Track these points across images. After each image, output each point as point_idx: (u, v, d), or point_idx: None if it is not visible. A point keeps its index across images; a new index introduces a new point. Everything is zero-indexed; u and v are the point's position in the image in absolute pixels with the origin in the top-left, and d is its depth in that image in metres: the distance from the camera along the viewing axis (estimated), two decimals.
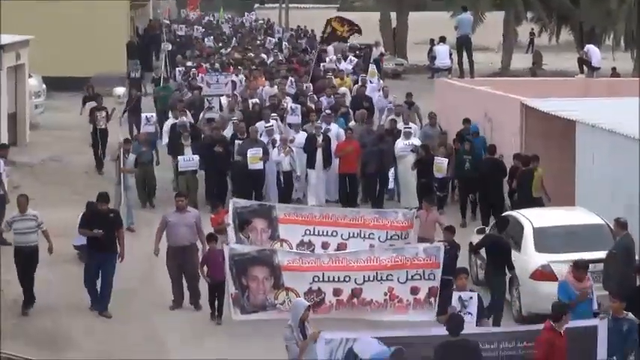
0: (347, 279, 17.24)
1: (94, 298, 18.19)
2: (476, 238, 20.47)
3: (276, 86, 31.83)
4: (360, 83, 33.34)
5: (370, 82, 33.85)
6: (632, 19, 47.49)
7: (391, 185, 25.70)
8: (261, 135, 25.39)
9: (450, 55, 37.26)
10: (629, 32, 47.87)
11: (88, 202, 19.98)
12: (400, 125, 26.42)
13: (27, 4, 39.31)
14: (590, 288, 15.27)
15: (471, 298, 14.47)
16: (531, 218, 18.91)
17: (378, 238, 19.67)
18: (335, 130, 26.10)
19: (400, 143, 25.34)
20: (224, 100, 30.01)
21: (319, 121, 26.29)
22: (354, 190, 25.27)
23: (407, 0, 57.69)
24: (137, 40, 50.20)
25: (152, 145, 25.88)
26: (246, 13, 78.60)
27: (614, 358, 13.44)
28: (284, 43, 50.68)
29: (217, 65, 37.94)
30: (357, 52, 48.73)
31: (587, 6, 48.29)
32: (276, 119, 26.57)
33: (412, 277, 17.32)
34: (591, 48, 35.54)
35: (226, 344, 16.88)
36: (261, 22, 71.22)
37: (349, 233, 19.72)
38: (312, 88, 32.43)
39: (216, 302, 17.83)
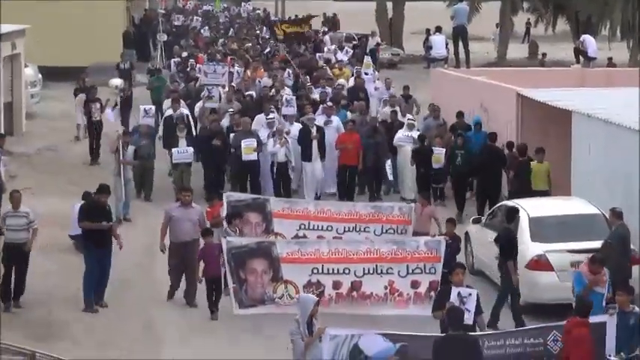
0: (347, 271, 17.10)
1: (89, 299, 18.03)
2: (473, 228, 20.52)
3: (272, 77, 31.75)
4: (356, 75, 33.12)
5: (365, 73, 33.69)
6: (627, 9, 47.44)
7: (390, 177, 25.62)
8: (262, 127, 25.27)
9: (446, 45, 37.19)
10: (626, 22, 47.78)
11: (85, 193, 19.94)
12: (399, 117, 26.29)
13: None
14: (606, 283, 15.11)
15: (470, 294, 14.30)
16: (527, 208, 18.87)
17: (374, 232, 19.47)
18: (336, 122, 25.98)
19: (400, 134, 25.25)
20: (222, 90, 29.87)
21: (320, 113, 26.18)
22: (352, 182, 25.17)
23: None
24: (133, 30, 50.09)
25: (152, 138, 25.69)
26: (243, 3, 78.39)
27: (622, 353, 13.34)
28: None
29: (218, 56, 37.68)
30: (354, 42, 48.65)
31: None
32: (273, 112, 26.42)
33: (413, 270, 17.15)
34: (587, 38, 35.48)
35: (225, 339, 16.76)
36: (258, 12, 71.06)
37: (344, 228, 19.53)
38: (308, 79, 32.28)
39: (213, 297, 17.68)
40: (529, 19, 59.07)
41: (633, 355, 13.63)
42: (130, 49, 44.81)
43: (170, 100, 27.84)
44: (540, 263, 17.64)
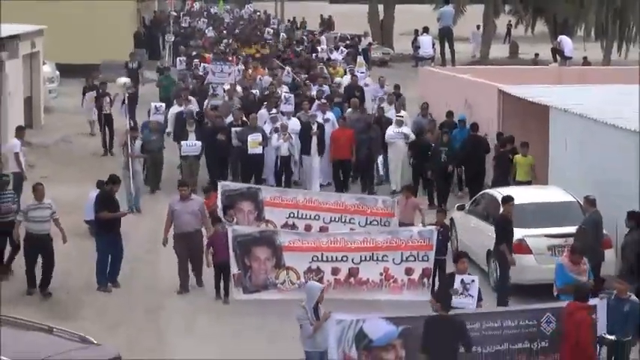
0: (344, 259, 17.00)
1: (103, 280, 18.04)
2: (457, 214, 20.50)
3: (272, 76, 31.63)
4: (351, 73, 33.01)
5: (359, 72, 33.62)
6: (601, 12, 47.48)
7: (382, 171, 25.50)
8: (265, 122, 25.17)
9: (433, 45, 37.22)
10: (599, 24, 47.82)
11: (98, 182, 19.93)
12: (392, 113, 26.20)
13: None
14: (586, 272, 15.07)
15: (473, 281, 14.22)
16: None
17: (358, 223, 19.34)
18: (332, 118, 25.81)
19: (390, 130, 25.16)
20: (227, 87, 29.71)
21: (315, 109, 26.10)
22: (346, 175, 25.06)
23: None
24: (144, 30, 50.02)
25: (161, 133, 25.52)
26: (246, 5, 78.30)
27: (614, 336, 13.31)
28: (282, 34, 50.45)
29: (228, 57, 37.48)
30: (347, 41, 48.62)
31: None
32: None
33: (406, 258, 17.08)
34: (564, 39, 35.49)
35: (229, 325, 16.56)
36: (259, 14, 70.94)
37: (330, 217, 19.39)
38: (306, 77, 32.17)
39: (221, 283, 17.49)
40: (510, 20, 59.05)
41: (627, 340, 13.62)
42: (141, 49, 44.83)
43: (179, 97, 27.75)
44: (520, 247, 17.60)
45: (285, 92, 28.34)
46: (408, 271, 17.10)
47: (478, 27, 52.41)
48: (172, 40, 42.01)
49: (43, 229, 17.47)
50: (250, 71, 32.91)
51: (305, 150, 24.80)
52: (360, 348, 12.72)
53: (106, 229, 18.06)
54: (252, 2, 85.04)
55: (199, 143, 24.45)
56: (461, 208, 20.44)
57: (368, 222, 19.44)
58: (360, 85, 30.92)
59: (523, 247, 17.56)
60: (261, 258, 16.98)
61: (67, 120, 33.13)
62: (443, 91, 28.38)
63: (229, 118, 25.56)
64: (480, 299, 14.40)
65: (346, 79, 32.13)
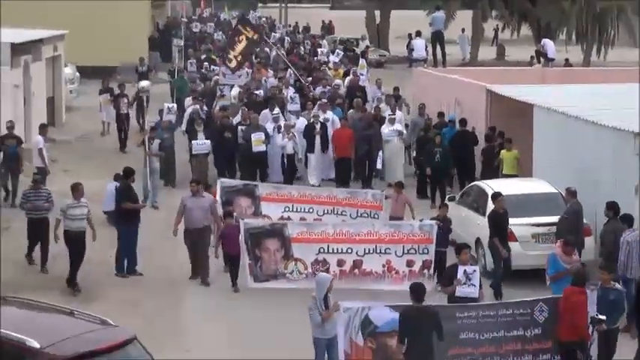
0: (349, 251, 16.95)
1: (122, 266, 18.07)
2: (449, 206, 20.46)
3: (278, 78, 31.54)
4: (351, 75, 32.89)
5: (360, 74, 33.52)
6: (582, 17, 47.56)
7: (379, 166, 25.50)
8: (267, 122, 25.11)
9: (426, 47, 37.22)
10: (580, 28, 47.90)
11: (115, 175, 19.94)
12: (388, 114, 26.07)
13: (64, 4, 39.19)
14: (577, 262, 14.89)
15: (475, 271, 14.12)
16: (494, 187, 18.85)
17: (349, 215, 19.33)
18: (332, 117, 25.70)
19: (386, 129, 25.09)
20: (234, 90, 29.57)
21: (316, 110, 26.00)
22: (347, 171, 24.98)
23: None
24: (157, 34, 49.99)
25: (172, 132, 25.41)
26: (251, 12, 78.15)
27: (603, 325, 13.20)
28: (286, 38, 50.37)
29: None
30: (344, 45, 48.54)
31: (544, 5, 48.30)
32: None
33: (408, 251, 17.02)
34: (547, 42, 35.60)
35: (240, 311, 16.52)
36: (264, 19, 70.86)
37: (324, 210, 19.37)
38: (309, 80, 32.06)
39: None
40: (497, 25, 59.01)
41: (615, 327, 13.58)
42: (155, 52, 44.87)
43: (191, 97, 27.73)
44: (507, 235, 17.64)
45: (292, 93, 28.29)
46: (409, 263, 17.04)
47: (463, 30, 52.40)
48: (181, 44, 41.87)
49: (81, 227, 17.25)
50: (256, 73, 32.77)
51: (310, 148, 24.76)
52: (365, 334, 12.70)
53: (126, 219, 18.06)
54: (258, 9, 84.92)
55: (208, 142, 24.41)
56: (452, 199, 20.45)
57: (358, 214, 19.41)
58: (362, 86, 30.86)
59: (509, 236, 17.58)
60: (271, 249, 16.96)
61: (87, 118, 33.15)
62: (435, 91, 28.38)
63: (237, 118, 25.54)
64: (480, 287, 14.35)
65: (345, 80, 32.08)
